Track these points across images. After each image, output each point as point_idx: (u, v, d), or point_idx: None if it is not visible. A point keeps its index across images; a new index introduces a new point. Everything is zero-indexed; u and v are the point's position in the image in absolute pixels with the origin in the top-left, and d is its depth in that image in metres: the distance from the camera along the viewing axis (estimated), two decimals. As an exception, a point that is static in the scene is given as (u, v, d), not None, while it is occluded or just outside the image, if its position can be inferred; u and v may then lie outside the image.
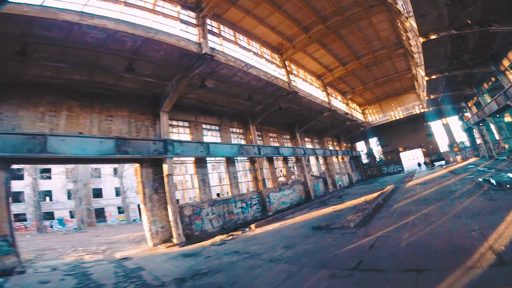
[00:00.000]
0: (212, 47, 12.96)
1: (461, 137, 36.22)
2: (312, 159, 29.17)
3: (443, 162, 36.47)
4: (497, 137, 33.46)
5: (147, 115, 14.33)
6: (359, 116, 34.83)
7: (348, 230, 8.92)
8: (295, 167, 24.87)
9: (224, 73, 14.22)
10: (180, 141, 13.71)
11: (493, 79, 19.68)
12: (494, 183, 11.15)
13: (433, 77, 19.17)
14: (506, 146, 21.52)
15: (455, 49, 15.98)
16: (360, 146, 44.67)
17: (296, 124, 25.70)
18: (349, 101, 32.34)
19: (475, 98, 25.35)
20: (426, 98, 25.27)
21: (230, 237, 12.11)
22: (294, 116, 23.87)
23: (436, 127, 38.35)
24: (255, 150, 18.31)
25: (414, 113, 32.97)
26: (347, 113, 28.09)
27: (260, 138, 21.79)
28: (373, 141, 43.48)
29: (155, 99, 14.36)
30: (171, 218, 12.40)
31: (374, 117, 36.28)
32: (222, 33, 15.06)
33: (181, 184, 18.83)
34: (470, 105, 28.49)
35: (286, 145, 24.83)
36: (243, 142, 19.46)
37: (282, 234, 10.82)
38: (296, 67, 22.24)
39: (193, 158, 15.02)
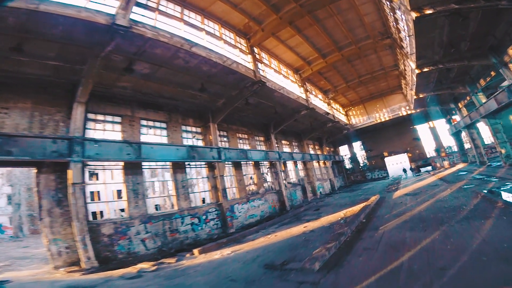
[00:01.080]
0: (134, 19, 9.50)
1: (449, 141, 34.31)
2: (290, 164, 26.05)
3: (429, 167, 34.37)
4: (488, 141, 31.68)
5: (60, 107, 10.76)
6: (342, 117, 32.20)
7: (309, 278, 5.65)
8: (268, 174, 21.60)
9: (158, 54, 10.81)
10: (95, 140, 10.10)
11: (492, 73, 17.26)
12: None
13: (425, 70, 16.55)
14: (503, 151, 19.17)
15: (452, 34, 13.31)
16: (344, 150, 42.15)
17: (271, 125, 22.51)
18: (331, 101, 29.62)
19: (468, 98, 23.13)
20: (415, 97, 22.78)
21: (155, 267, 9.05)
22: (267, 115, 20.67)
23: (422, 131, 36.41)
24: (213, 154, 14.88)
25: (401, 115, 30.69)
26: (328, 113, 25.24)
27: (226, 139, 18.39)
28: (357, 146, 41.09)
29: (74, 89, 10.73)
30: (77, 237, 8.99)
31: (358, 119, 33.79)
32: (161, 7, 11.66)
33: (103, 194, 15.05)
34: (460, 106, 26.37)
35: (259, 148, 21.55)
36: (201, 143, 15.99)
37: (223, 272, 7.48)
38: (268, 56, 19.12)
39: (122, 163, 11.40)
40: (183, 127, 15.36)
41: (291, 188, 23.55)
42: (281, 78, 19.67)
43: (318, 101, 25.73)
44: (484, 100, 20.12)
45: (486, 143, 32.05)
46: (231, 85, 14.83)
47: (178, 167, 13.77)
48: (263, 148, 22.26)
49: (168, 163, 13.56)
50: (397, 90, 31.16)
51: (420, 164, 34.97)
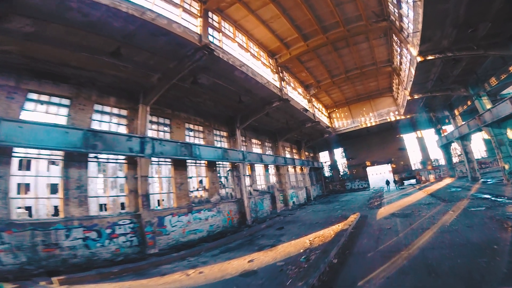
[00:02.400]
0: None
1: (436, 153, 31.63)
2: (259, 168, 22.00)
3: (413, 180, 31.50)
4: (478, 155, 29.19)
5: None
6: (324, 119, 28.66)
7: None
8: (229, 178, 17.41)
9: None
10: None
11: (511, 69, 14.06)
12: None
13: (429, 57, 13.10)
14: (506, 166, 16.10)
15: (474, 7, 9.85)
16: (324, 157, 38.75)
17: (237, 117, 18.37)
18: (312, 99, 25.98)
19: (469, 103, 20.17)
20: (408, 97, 19.48)
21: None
22: (231, 104, 16.53)
23: (409, 140, 33.58)
24: (131, 144, 10.47)
25: (388, 120, 27.60)
26: (306, 110, 21.44)
27: (167, 128, 14.03)
28: (338, 152, 37.82)
29: None
30: None
31: (342, 122, 30.44)
32: None
33: None
34: (457, 113, 23.50)
35: (219, 145, 17.35)
36: (124, 129, 11.56)
37: None
38: (234, 28, 15.04)
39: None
40: (98, 107, 10.88)
41: (257, 197, 19.46)
42: (249, 57, 15.63)
43: (296, 95, 21.92)
44: (488, 106, 17.07)
45: (476, 157, 29.68)
46: (165, 53, 10.54)
47: (73, 161, 9.27)
48: (225, 145, 18.06)
49: (59, 152, 9.05)
50: (386, 92, 28.08)
51: (404, 176, 32.06)
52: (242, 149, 18.19)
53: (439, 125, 30.20)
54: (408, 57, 15.78)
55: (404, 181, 31.69)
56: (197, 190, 14.83)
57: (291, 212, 20.28)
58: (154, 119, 13.50)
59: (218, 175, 16.33)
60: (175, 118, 14.64)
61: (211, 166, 15.66)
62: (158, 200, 20.69)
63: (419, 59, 13.38)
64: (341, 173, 37.38)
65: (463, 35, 11.61)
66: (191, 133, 15.34)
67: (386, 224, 10.69)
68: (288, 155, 28.45)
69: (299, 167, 29.38)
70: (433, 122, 31.37)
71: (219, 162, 16.20)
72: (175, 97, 14.05)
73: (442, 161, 30.76)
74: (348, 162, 36.59)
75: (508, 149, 16.24)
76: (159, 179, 14.86)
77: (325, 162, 38.32)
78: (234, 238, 12.47)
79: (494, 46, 12.60)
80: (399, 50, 17.58)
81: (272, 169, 23.88)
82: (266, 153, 23.40)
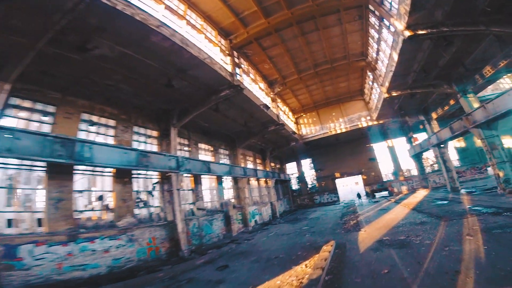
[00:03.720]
0: None
1: (408, 163, 29.65)
2: (209, 181, 17.36)
3: (385, 193, 29.00)
4: (459, 161, 27.49)
5: None
6: (290, 124, 25.18)
7: None
8: (155, 192, 12.50)
9: None
10: None
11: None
12: None
13: (420, 32, 10.01)
14: (501, 173, 13.50)
15: None
16: (291, 168, 35.22)
17: (174, 112, 13.74)
18: (277, 98, 22.40)
19: (451, 102, 17.87)
20: (385, 95, 16.64)
21: None
22: (160, 91, 11.92)
23: (379, 150, 31.42)
24: None
25: (360, 126, 24.93)
26: (268, 107, 17.55)
27: (51, 118, 8.99)
28: (307, 163, 34.59)
29: None
30: None
31: (310, 129, 27.23)
32: None
33: None
34: (434, 116, 21.34)
35: (141, 147, 12.51)
36: None
37: None
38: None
39: None
40: None
41: (203, 218, 14.70)
42: (184, 26, 11.37)
43: (257, 90, 18.05)
44: (476, 105, 14.66)
45: (456, 165, 28.12)
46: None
47: None
48: (156, 148, 13.25)
49: None
50: (357, 96, 25.62)
51: (375, 188, 29.50)
52: (178, 154, 13.47)
53: (411, 132, 28.42)
54: (390, 41, 12.78)
55: (375, 194, 29.04)
56: (93, 210, 9.69)
57: (249, 236, 15.73)
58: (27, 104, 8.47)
59: (137, 189, 11.37)
60: (67, 105, 9.65)
61: (122, 176, 10.70)
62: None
63: (407, 33, 10.20)
64: (309, 186, 33.99)
65: (462, 5, 8.66)
66: (93, 128, 10.33)
67: (379, 262, 6.71)
68: (250, 165, 24.22)
69: (264, 179, 25.24)
70: (405, 130, 29.64)
71: (136, 171, 11.31)
72: (70, 76, 9.22)
73: (415, 172, 28.78)
74: (317, 173, 33.41)
75: (501, 154, 13.72)
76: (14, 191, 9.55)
77: (292, 174, 34.75)
78: (144, 282, 7.62)
79: (496, 23, 9.86)
80: (377, 35, 14.64)
81: (228, 182, 19.35)
82: (220, 161, 18.89)
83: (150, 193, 11.95)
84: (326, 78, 21.83)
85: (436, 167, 28.38)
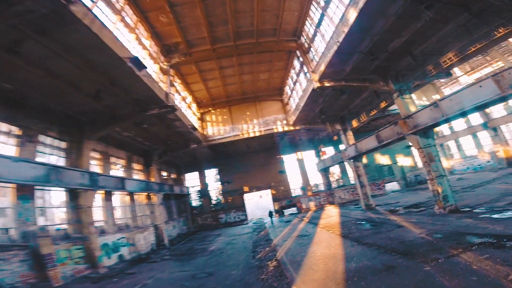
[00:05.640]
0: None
1: (316, 178, 28.04)
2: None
3: (294, 209, 26.16)
4: (352, 181, 27.08)
5: None
6: (191, 118, 18.76)
7: None
8: None
9: None
10: None
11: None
12: None
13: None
14: (440, 189, 11.31)
15: None
16: (193, 179, 28.37)
17: None
18: (174, 74, 15.84)
19: (382, 105, 15.76)
20: (317, 84, 12.88)
21: None
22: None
23: (289, 162, 28.88)
24: None
25: (275, 130, 21.10)
26: (143, 66, 10.36)
27: None
28: (212, 174, 28.62)
29: None
30: None
31: (218, 129, 21.52)
32: None
33: None
34: (355, 124, 19.44)
35: None
36: None
37: None
38: None
39: None
40: None
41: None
42: None
43: (136, 46, 10.95)
44: (413, 108, 12.51)
45: (351, 182, 28.00)
46: None
47: None
48: None
49: None
50: (276, 94, 21.92)
51: (284, 204, 26.29)
52: None
53: (322, 145, 27.05)
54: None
55: (283, 211, 25.74)
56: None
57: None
58: None
59: None
60: None
61: None
62: None
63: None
64: (214, 202, 27.90)
65: None
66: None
67: None
68: (121, 171, 16.09)
69: (145, 194, 17.44)
70: (314, 143, 28.18)
71: None
72: None
73: (321, 187, 27.28)
74: (223, 187, 27.81)
75: (439, 167, 11.65)
76: None
77: (193, 187, 27.86)
78: None
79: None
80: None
81: (59, 196, 10.88)
82: (36, 159, 10.35)
83: None
84: (246, 61, 16.88)
85: (341, 182, 27.82)
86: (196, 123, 19.64)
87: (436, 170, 11.45)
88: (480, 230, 7.94)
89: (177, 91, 16.62)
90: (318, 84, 12.68)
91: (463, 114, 9.66)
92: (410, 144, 30.36)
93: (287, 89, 20.18)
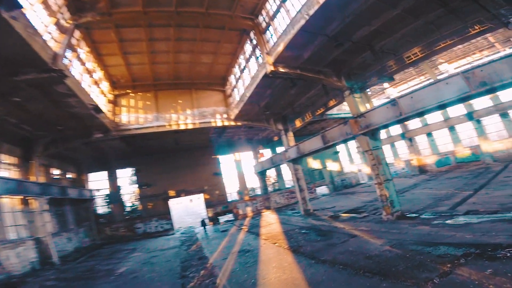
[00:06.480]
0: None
1: (253, 181, 26.34)
2: None
3: (230, 215, 23.70)
4: (288, 184, 26.29)
5: None
6: (98, 98, 14.18)
7: None
8: None
9: None
10: None
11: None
12: None
13: None
14: (387, 193, 10.64)
15: None
16: (100, 181, 22.60)
17: None
18: (80, 37, 11.31)
19: (331, 103, 14.76)
20: (271, 68, 10.89)
21: None
22: None
23: (226, 164, 26.38)
24: None
25: (214, 124, 18.18)
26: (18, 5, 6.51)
27: None
28: (127, 175, 23.48)
29: None
30: None
31: (137, 116, 17.07)
32: None
33: None
34: (298, 124, 18.29)
35: None
36: None
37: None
38: None
39: None
40: None
41: None
42: None
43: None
44: (363, 109, 11.82)
45: (286, 186, 27.34)
46: None
47: None
48: None
49: None
50: (218, 84, 18.87)
51: (219, 210, 23.49)
52: None
53: (261, 146, 25.57)
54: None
55: (219, 217, 22.94)
56: None
57: None
58: None
59: None
60: None
61: None
62: None
63: None
64: (129, 209, 22.76)
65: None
66: None
67: None
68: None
69: (19, 197, 11.96)
70: (253, 144, 26.54)
71: None
72: None
73: (258, 191, 25.71)
74: (141, 190, 23.02)
75: (386, 170, 11.11)
76: None
77: (100, 190, 22.09)
78: None
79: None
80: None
81: None
82: None
83: None
84: (187, 36, 13.50)
85: (277, 185, 26.88)
86: (105, 106, 14.97)
87: (383, 174, 10.86)
88: (449, 239, 7.16)
89: (80, 59, 12.01)
90: (272, 68, 10.68)
91: (422, 113, 9.16)
92: (338, 150, 32.59)
93: (232, 79, 17.66)
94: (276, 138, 24.22)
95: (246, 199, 24.53)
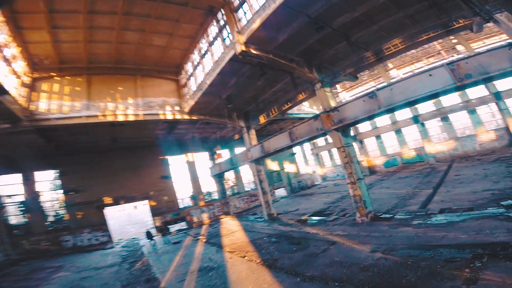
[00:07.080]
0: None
1: (209, 185, 24.08)
2: None
3: (183, 223, 21.03)
4: (248, 187, 24.79)
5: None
6: (1, 73, 10.57)
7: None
8: None
9: None
10: None
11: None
12: None
13: None
14: (359, 192, 9.97)
15: None
16: (11, 185, 17.63)
17: None
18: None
19: (300, 97, 13.70)
20: (242, 48, 9.27)
21: None
22: None
23: (176, 165, 23.56)
24: None
25: (162, 117, 15.49)
26: None
27: None
28: (48, 178, 18.92)
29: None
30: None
31: (61, 104, 13.33)
32: None
33: None
34: (262, 120, 16.96)
35: None
36: None
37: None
38: None
39: None
40: None
41: None
42: None
43: None
44: (333, 103, 11.09)
45: (245, 189, 25.77)
46: None
47: None
48: None
49: None
50: (170, 72, 16.17)
51: (169, 219, 20.57)
52: None
53: (218, 146, 23.56)
54: None
55: (169, 227, 20.05)
56: None
57: None
58: None
59: None
60: None
61: None
62: None
63: None
64: (52, 219, 18.22)
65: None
66: None
67: None
68: None
69: None
70: (209, 144, 24.37)
71: None
72: None
73: (215, 195, 23.58)
74: (68, 197, 18.69)
75: (357, 169, 10.49)
76: None
77: (11, 197, 17.15)
78: None
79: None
80: None
81: None
82: None
83: None
84: (139, 11, 10.83)
85: (236, 189, 25.16)
86: (16, 90, 11.27)
87: (356, 171, 10.24)
88: (444, 241, 6.55)
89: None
90: (243, 48, 9.06)
91: (402, 106, 8.68)
92: (295, 152, 32.51)
93: (188, 67, 15.34)
94: (237, 137, 22.53)
95: (202, 204, 22.18)
